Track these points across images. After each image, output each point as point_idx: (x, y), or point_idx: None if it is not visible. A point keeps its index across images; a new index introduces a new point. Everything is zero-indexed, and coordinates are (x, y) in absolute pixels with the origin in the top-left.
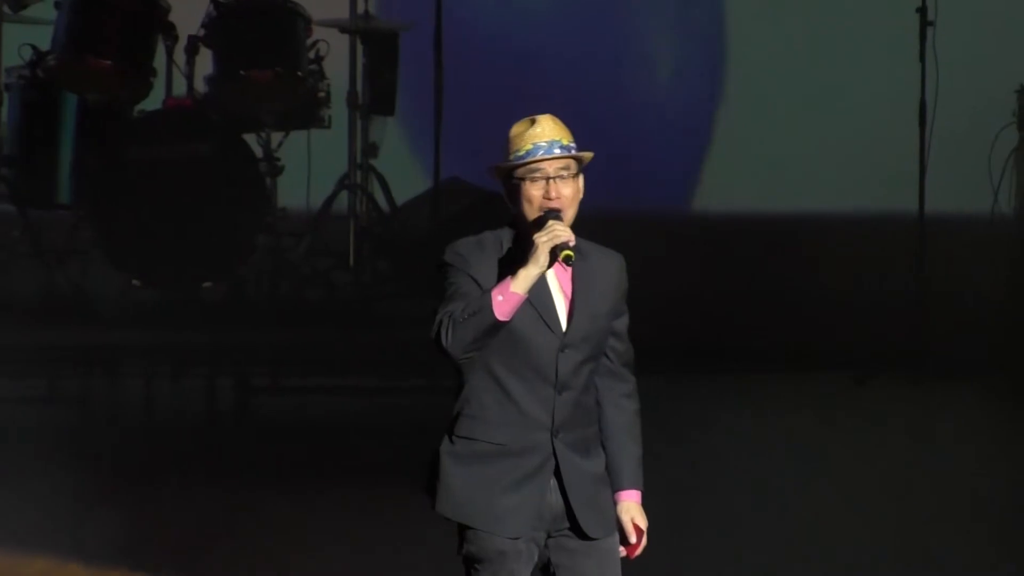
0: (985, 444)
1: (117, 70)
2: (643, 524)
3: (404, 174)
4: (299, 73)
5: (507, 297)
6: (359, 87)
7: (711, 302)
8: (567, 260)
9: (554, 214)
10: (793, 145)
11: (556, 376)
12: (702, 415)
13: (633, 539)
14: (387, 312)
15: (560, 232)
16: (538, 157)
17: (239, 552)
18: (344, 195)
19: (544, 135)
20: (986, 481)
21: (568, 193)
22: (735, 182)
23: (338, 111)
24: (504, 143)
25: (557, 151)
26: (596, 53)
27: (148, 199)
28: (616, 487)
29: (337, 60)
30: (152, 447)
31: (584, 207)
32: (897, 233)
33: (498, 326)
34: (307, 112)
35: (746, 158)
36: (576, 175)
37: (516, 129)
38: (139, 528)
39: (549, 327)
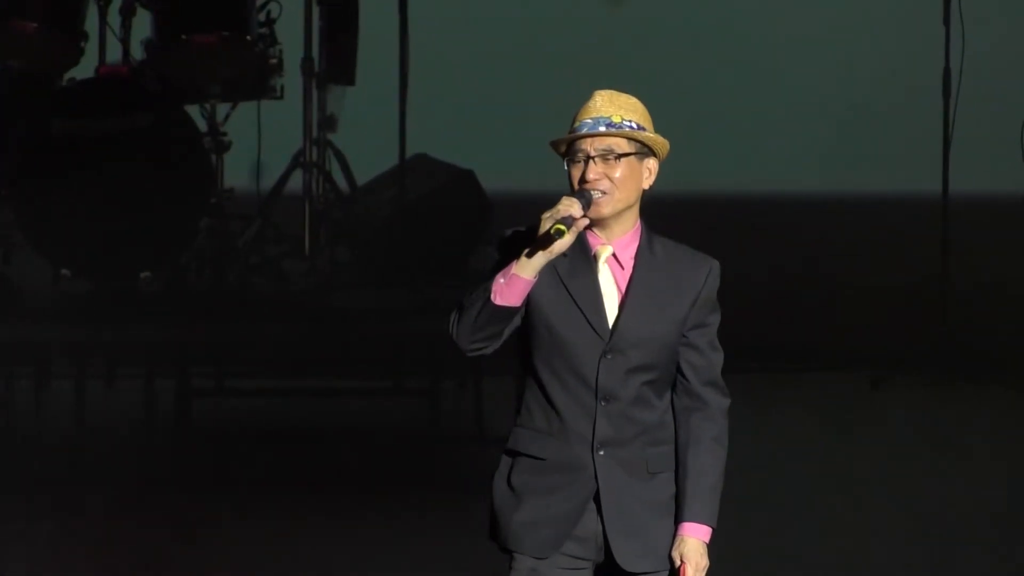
0: (1014, 452)
1: (43, 34)
2: (693, 562)
3: (365, 150)
4: (248, 37)
5: (509, 281)
6: (315, 53)
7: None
8: (557, 234)
9: (581, 194)
10: (801, 120)
11: (596, 383)
12: None
13: None
14: (346, 305)
15: (563, 207)
16: (576, 134)
17: (177, 569)
18: (298, 174)
19: (593, 111)
20: (1015, 492)
21: (615, 175)
22: (740, 161)
23: (291, 80)
24: None
25: (602, 128)
26: (578, 11)
27: (78, 178)
28: (677, 519)
29: (290, 23)
30: (82, 456)
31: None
32: (917, 216)
33: (501, 313)
34: (257, 81)
35: (755, 135)
36: (628, 157)
37: (581, 105)
38: (67, 545)
39: (593, 328)
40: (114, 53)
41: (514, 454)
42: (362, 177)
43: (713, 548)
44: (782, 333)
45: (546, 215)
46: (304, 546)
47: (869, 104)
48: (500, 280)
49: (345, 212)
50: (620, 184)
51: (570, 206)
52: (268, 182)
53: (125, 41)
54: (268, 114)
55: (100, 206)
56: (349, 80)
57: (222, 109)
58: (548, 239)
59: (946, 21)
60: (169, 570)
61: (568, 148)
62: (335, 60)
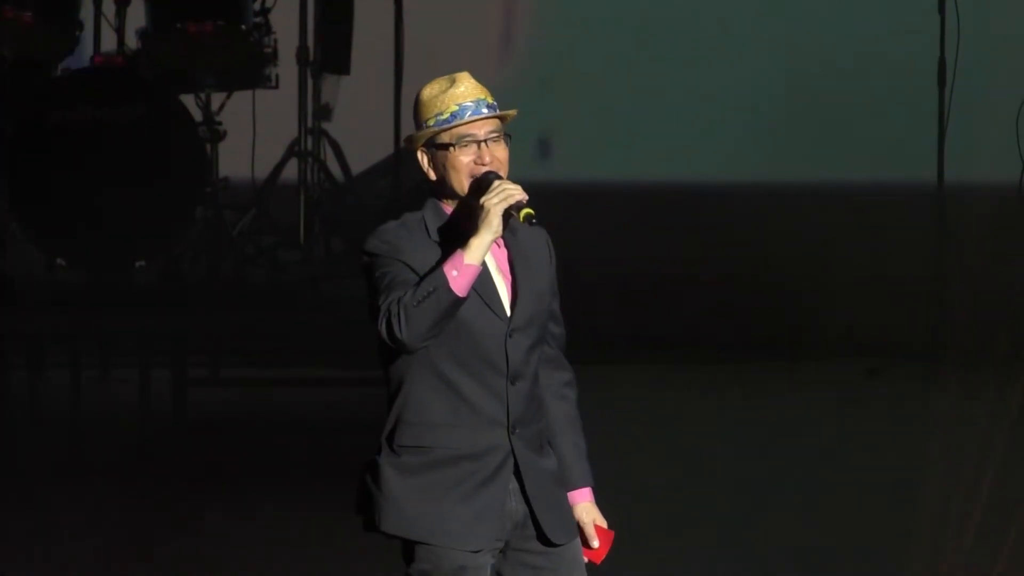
0: (1012, 443)
1: (38, 23)
2: (603, 524)
3: (360, 140)
4: (243, 26)
5: (462, 271)
6: (310, 42)
7: (706, 284)
8: (528, 219)
9: (495, 174)
10: (795, 110)
11: (507, 365)
12: (697, 408)
13: (596, 543)
14: (340, 295)
15: (512, 191)
16: (467, 119)
17: (171, 560)
18: (293, 163)
19: (468, 94)
20: (1014, 484)
21: (502, 156)
22: (732, 150)
23: (286, 69)
24: (415, 107)
25: (485, 111)
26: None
27: (73, 168)
28: (570, 486)
29: (285, 12)
30: (78, 445)
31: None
32: (913, 206)
33: (458, 304)
34: (252, 70)
35: (746, 126)
36: (505, 136)
37: (432, 90)
38: (61, 534)
39: (493, 311)
40: (109, 42)
41: (415, 448)
42: (357, 166)
43: (707, 535)
44: (777, 322)
45: (492, 201)
46: (299, 536)
47: (865, 94)
48: (453, 272)
49: (340, 202)
50: (505, 164)
51: (516, 188)
52: (263, 172)
53: (120, 30)
54: (263, 103)
55: (95, 196)
56: (344, 69)
57: (217, 98)
58: (506, 222)
59: (941, 11)
60: (164, 559)
61: (441, 134)
62: (330, 49)
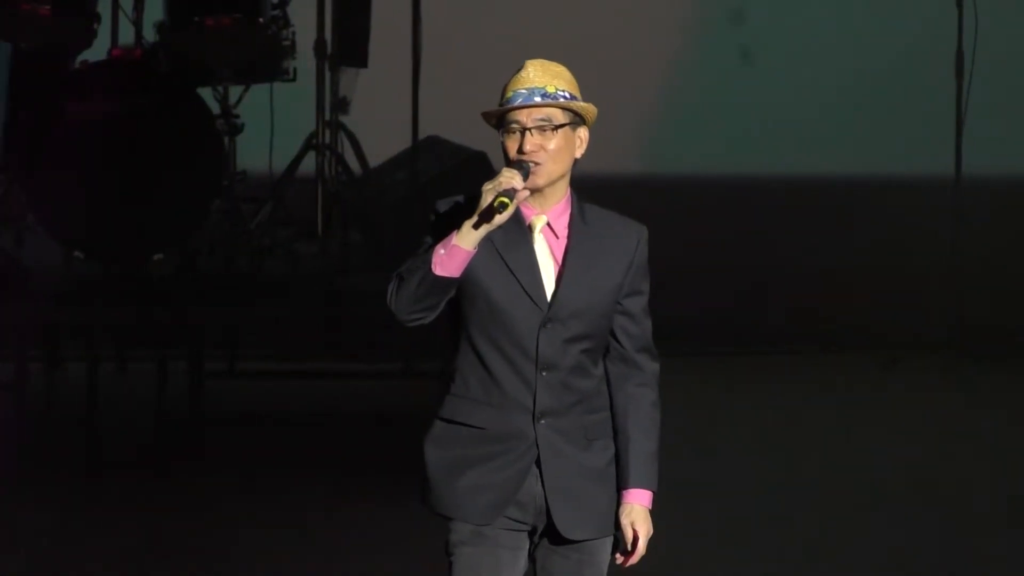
0: None
1: (56, 15)
2: (643, 530)
3: (378, 132)
4: (260, 19)
5: (450, 251)
6: (327, 35)
7: (721, 276)
8: (501, 207)
9: (519, 165)
10: (814, 101)
11: (537, 353)
12: (712, 401)
13: (629, 547)
14: (358, 287)
15: (505, 179)
16: (511, 105)
17: (190, 554)
18: (311, 156)
19: (526, 82)
20: None
21: (551, 146)
22: (752, 145)
23: (304, 62)
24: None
25: (537, 99)
26: None
27: (90, 161)
28: (620, 485)
29: (303, 5)
30: (95, 438)
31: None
32: (930, 197)
33: (441, 284)
34: (269, 63)
35: (764, 119)
36: (564, 127)
37: (512, 75)
38: (80, 528)
39: (531, 299)
40: (127, 35)
41: (450, 423)
42: (374, 159)
43: (722, 527)
44: (794, 316)
45: (487, 187)
46: (316, 528)
47: (882, 86)
48: (440, 251)
49: (357, 194)
50: (555, 155)
51: (511, 178)
52: (280, 165)
53: (138, 23)
54: (281, 96)
55: (112, 189)
56: (362, 62)
57: (235, 91)
58: (491, 211)
59: (959, 3)
60: (181, 553)
61: (501, 119)
62: (348, 42)
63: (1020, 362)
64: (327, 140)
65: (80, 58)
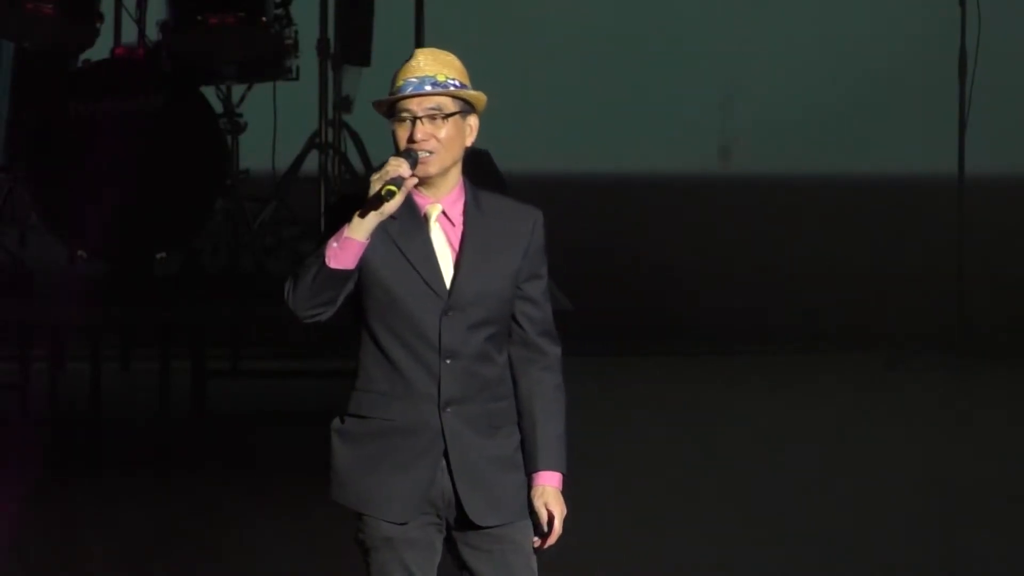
0: None
1: (59, 14)
2: (557, 510)
3: (381, 131)
4: (263, 18)
5: (342, 244)
6: (330, 34)
7: (721, 276)
8: (388, 196)
9: (407, 153)
10: (815, 100)
11: (439, 342)
12: (711, 400)
13: (544, 529)
14: None
15: (392, 167)
16: (402, 94)
17: (194, 555)
18: (314, 155)
19: (417, 70)
20: None
21: (442, 134)
22: (755, 141)
23: (307, 61)
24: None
25: (428, 88)
26: None
27: (93, 160)
28: (530, 469)
29: (306, 4)
30: (98, 438)
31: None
32: (933, 197)
33: (336, 276)
34: (272, 62)
35: (763, 119)
36: (454, 115)
37: (402, 64)
38: (83, 529)
39: (431, 287)
40: (130, 34)
41: (357, 417)
42: (378, 158)
43: (722, 527)
44: (797, 314)
45: (375, 177)
46: (319, 528)
47: (885, 85)
48: (333, 244)
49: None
50: (447, 143)
51: (398, 166)
52: (283, 164)
53: (141, 22)
54: (284, 95)
55: (115, 188)
56: (365, 61)
57: (237, 90)
58: (379, 200)
59: (962, 2)
60: (184, 552)
61: (392, 108)
62: (351, 41)
63: (1023, 361)
64: (330, 139)
65: (83, 57)
